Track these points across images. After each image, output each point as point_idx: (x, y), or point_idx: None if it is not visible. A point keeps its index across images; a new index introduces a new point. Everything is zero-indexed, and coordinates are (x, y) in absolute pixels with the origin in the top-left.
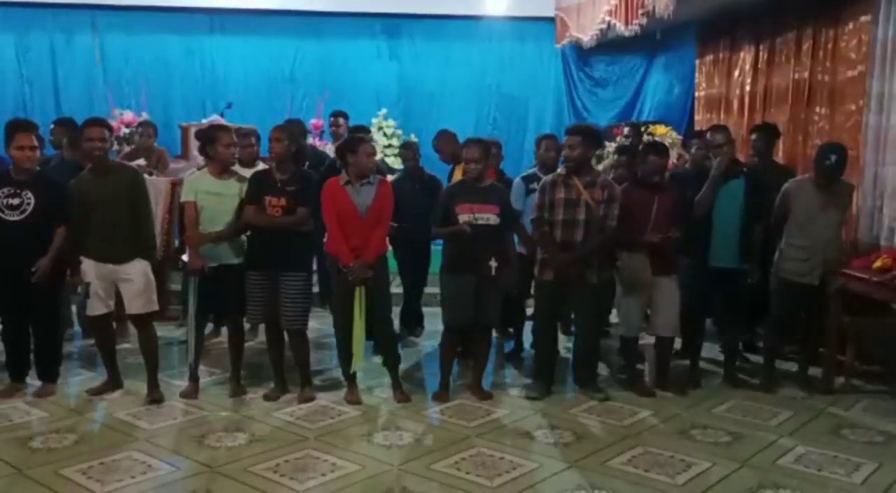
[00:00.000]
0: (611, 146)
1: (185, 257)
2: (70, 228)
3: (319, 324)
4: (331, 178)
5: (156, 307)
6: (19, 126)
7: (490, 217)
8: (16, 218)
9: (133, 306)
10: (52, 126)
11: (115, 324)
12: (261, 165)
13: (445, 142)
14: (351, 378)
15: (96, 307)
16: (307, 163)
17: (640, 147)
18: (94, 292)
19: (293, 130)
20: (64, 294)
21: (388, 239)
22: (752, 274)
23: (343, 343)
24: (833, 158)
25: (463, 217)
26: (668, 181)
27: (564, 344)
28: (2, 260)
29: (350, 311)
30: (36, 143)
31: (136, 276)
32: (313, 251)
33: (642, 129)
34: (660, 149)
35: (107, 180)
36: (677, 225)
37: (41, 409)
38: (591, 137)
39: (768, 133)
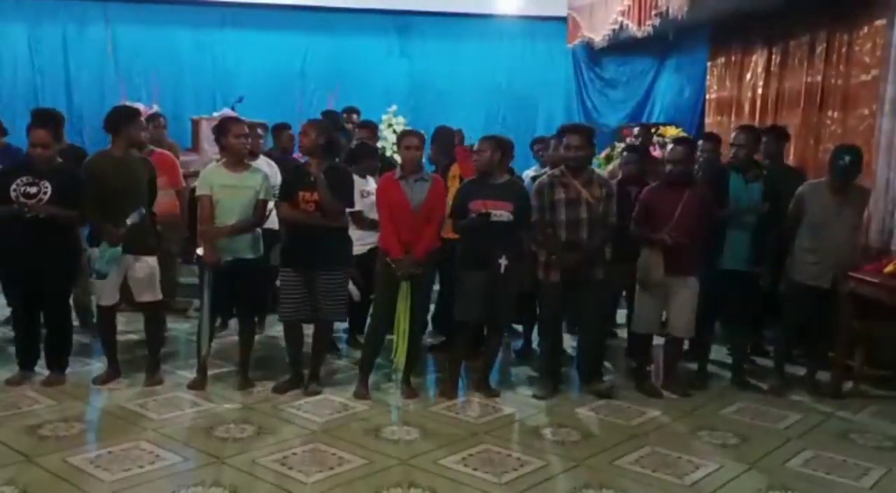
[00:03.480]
0: (619, 146)
1: (199, 251)
2: (82, 210)
3: None
4: (387, 172)
5: (160, 297)
6: (32, 121)
7: (503, 214)
8: None
9: (142, 295)
10: None
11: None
12: (262, 159)
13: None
14: (365, 373)
15: (108, 297)
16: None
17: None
18: (108, 281)
19: (323, 123)
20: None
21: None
22: (765, 277)
23: (373, 336)
24: (847, 158)
25: (474, 211)
26: (698, 180)
27: (570, 343)
28: (16, 249)
29: (391, 305)
30: (47, 139)
31: (145, 266)
32: (351, 247)
33: (652, 130)
34: (684, 140)
35: (130, 168)
36: (700, 226)
37: (50, 397)
38: (592, 137)
39: (777, 135)
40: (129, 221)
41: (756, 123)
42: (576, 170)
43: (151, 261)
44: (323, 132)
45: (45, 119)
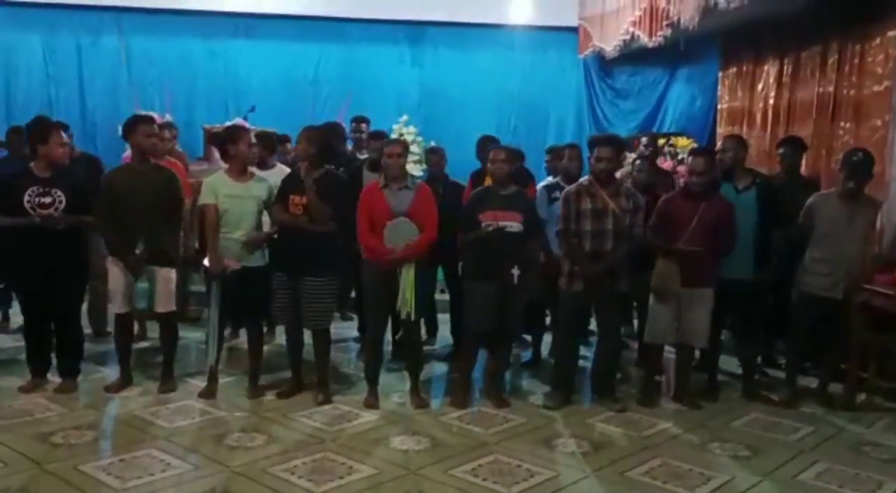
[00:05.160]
0: (630, 156)
1: (206, 262)
2: (96, 215)
3: (334, 326)
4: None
5: (174, 307)
6: (56, 124)
7: (513, 225)
8: None
9: (160, 305)
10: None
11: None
12: (278, 167)
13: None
14: (372, 382)
15: (122, 305)
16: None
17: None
18: (120, 290)
19: (318, 133)
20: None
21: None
22: (767, 281)
23: (373, 343)
24: (860, 154)
25: (486, 224)
26: (717, 191)
27: (582, 354)
28: (32, 259)
29: (383, 306)
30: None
31: (165, 278)
32: (341, 253)
33: (661, 140)
34: (701, 151)
35: (146, 179)
36: (716, 236)
37: (62, 405)
38: (621, 148)
39: (795, 146)
40: (137, 251)
41: (768, 133)
42: (604, 181)
43: (171, 273)
44: (315, 142)
45: (59, 123)
